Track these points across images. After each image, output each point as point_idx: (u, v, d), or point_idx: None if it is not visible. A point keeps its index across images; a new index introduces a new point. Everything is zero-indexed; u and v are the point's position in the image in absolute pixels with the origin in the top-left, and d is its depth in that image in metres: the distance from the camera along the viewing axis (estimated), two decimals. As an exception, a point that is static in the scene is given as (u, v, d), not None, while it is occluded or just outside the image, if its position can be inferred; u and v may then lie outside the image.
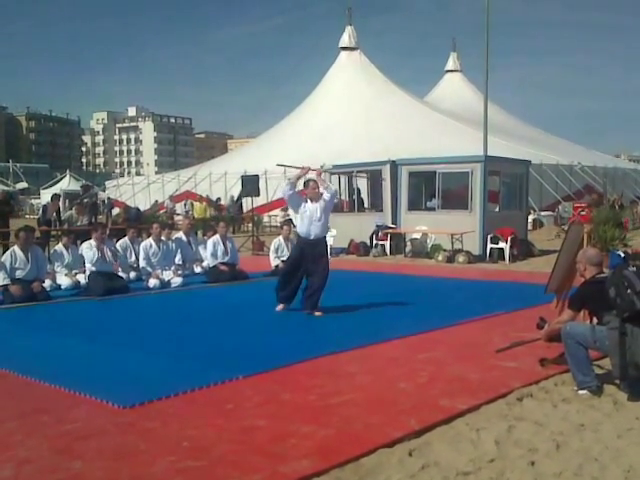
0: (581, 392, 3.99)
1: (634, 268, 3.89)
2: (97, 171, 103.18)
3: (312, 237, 6.83)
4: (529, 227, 17.24)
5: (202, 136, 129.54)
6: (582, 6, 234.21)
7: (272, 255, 10.59)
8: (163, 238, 10.09)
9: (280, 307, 7.02)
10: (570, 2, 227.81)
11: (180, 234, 11.10)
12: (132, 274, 9.78)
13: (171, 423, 3.51)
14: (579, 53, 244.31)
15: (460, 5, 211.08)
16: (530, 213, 19.16)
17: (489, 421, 3.54)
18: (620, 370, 3.82)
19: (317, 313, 6.80)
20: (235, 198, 23.56)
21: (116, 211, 26.01)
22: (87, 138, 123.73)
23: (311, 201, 6.89)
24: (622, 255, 10.09)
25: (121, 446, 3.20)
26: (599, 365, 4.46)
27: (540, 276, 8.07)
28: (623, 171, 31.29)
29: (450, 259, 12.68)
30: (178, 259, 10.20)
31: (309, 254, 6.85)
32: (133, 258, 10.07)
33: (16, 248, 8.16)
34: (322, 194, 6.87)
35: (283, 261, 10.40)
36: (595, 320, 4.21)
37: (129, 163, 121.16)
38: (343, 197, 15.92)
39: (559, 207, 22.32)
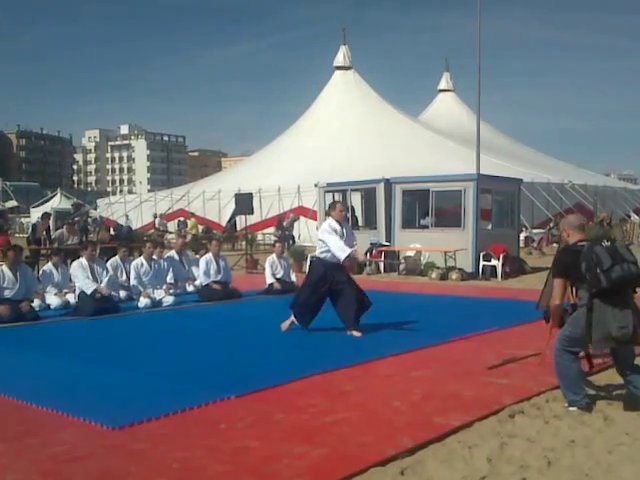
0: (571, 409, 4.00)
1: (608, 243, 3.90)
2: (89, 189, 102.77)
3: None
4: (521, 245, 17.34)
5: (196, 154, 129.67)
6: (572, 27, 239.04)
7: (268, 273, 10.54)
8: (155, 257, 10.05)
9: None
10: (561, 24, 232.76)
11: (172, 253, 11.07)
12: (123, 293, 9.69)
13: (161, 444, 3.47)
14: (570, 73, 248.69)
15: (453, 26, 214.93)
16: (522, 231, 19.29)
17: (481, 438, 3.53)
18: (593, 342, 3.89)
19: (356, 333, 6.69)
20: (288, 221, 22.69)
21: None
22: (79, 156, 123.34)
23: (339, 223, 6.84)
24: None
25: (110, 468, 3.15)
26: (590, 381, 4.47)
27: (532, 293, 8.10)
28: (613, 189, 31.59)
29: (443, 277, 12.71)
30: (170, 278, 10.15)
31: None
32: (124, 277, 10.01)
33: (4, 267, 8.06)
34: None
35: (277, 279, 10.42)
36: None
37: (121, 181, 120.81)
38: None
39: (550, 225, 22.51)
